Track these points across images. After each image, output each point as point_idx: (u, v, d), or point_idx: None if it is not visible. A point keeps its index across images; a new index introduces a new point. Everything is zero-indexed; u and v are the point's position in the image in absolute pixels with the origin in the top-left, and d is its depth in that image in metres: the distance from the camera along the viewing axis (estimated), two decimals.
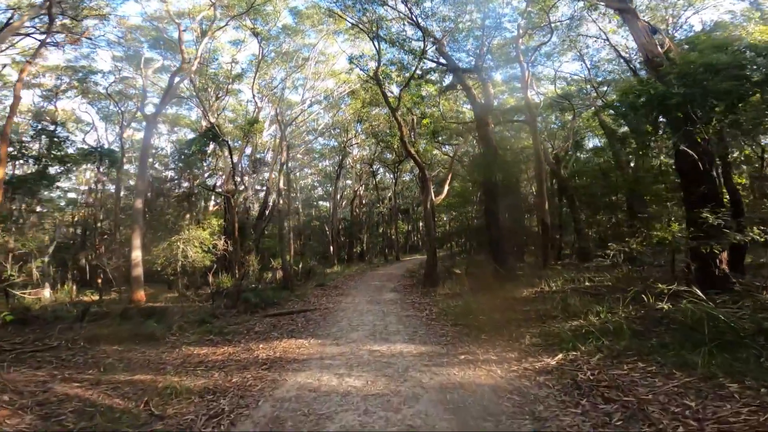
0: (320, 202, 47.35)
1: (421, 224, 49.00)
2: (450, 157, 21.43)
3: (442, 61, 16.61)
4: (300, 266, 18.32)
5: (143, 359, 7.10)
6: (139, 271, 15.33)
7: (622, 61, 18.64)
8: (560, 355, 5.69)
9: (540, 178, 16.16)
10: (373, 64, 17.34)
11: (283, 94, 27.73)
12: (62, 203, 26.62)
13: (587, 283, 10.60)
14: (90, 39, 17.95)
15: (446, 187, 17.62)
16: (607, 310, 7.02)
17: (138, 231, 15.42)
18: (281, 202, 15.84)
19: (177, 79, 17.86)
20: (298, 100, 29.76)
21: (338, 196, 36.33)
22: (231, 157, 17.30)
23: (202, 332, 9.37)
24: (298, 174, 42.51)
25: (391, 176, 41.42)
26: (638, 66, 15.54)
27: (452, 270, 16.73)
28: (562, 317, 7.60)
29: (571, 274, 12.74)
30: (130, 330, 9.06)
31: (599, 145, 21.95)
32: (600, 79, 20.50)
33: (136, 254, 15.33)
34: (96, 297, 15.61)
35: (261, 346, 7.86)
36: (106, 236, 23.12)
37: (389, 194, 40.12)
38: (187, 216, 17.88)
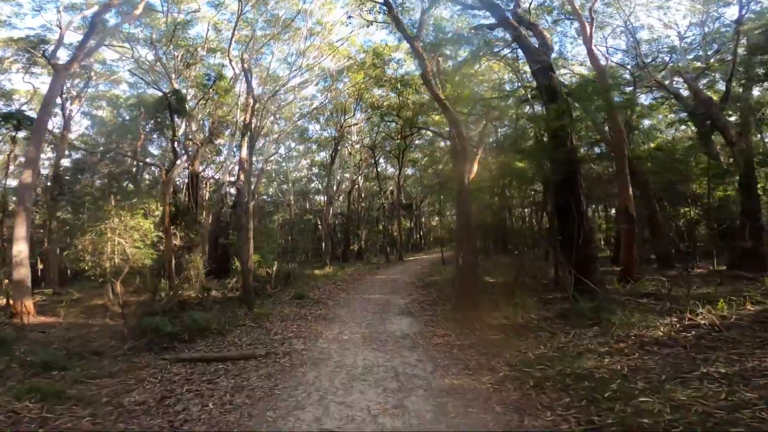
0: (317, 197, 41.60)
1: (423, 221, 43.37)
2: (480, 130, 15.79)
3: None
4: (274, 269, 12.70)
5: None
6: (23, 272, 9.70)
7: None
8: None
9: (621, 156, 10.56)
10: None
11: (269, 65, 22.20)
12: None
13: None
14: None
15: (474, 167, 12.07)
16: None
17: (24, 216, 9.74)
18: (242, 178, 10.16)
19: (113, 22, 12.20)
20: (287, 74, 24.06)
21: (334, 187, 30.64)
22: (172, 120, 11.68)
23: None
24: (293, 165, 36.90)
25: (393, 169, 35.88)
26: None
27: (482, 279, 11.11)
28: None
29: (712, 289, 7.21)
30: None
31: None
32: None
33: (20, 249, 9.70)
34: None
35: None
36: None
37: (391, 188, 34.48)
38: (115, 200, 12.19)
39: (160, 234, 12.61)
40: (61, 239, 16.70)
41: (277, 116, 25.45)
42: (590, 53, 12.65)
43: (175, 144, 11.08)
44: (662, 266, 12.81)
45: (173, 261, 10.23)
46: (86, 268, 12.84)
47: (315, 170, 38.50)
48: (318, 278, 15.95)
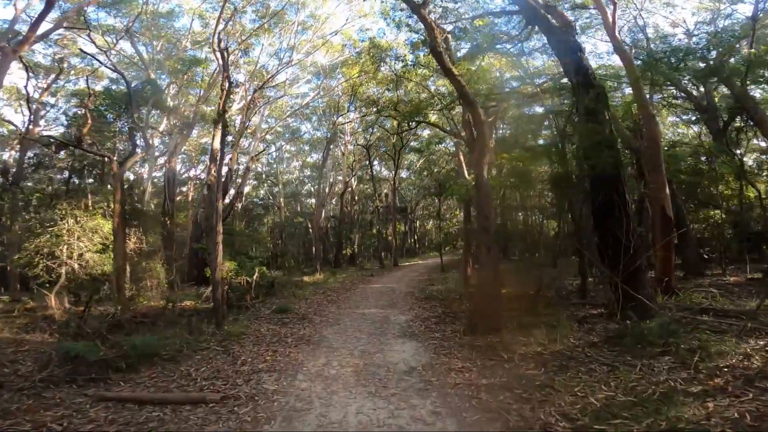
0: (309, 200, 39.66)
1: (417, 224, 41.66)
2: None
3: None
4: (254, 277, 10.89)
5: None
6: None
7: None
8: None
9: (655, 150, 8.98)
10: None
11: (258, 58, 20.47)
12: None
13: None
14: None
15: (485, 165, 10.43)
16: None
17: None
18: (212, 173, 8.40)
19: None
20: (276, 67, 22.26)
21: (326, 189, 28.86)
22: (129, 104, 9.85)
23: None
24: (284, 167, 35.06)
25: (387, 171, 34.23)
26: None
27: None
28: None
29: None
30: None
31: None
32: None
33: None
34: None
35: None
36: None
37: (385, 190, 32.78)
38: (70, 198, 10.37)
39: (137, 237, 10.78)
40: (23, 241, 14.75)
41: (265, 114, 23.71)
42: (614, 41, 11.07)
43: (135, 134, 9.28)
44: (690, 273, 11.26)
45: (127, 268, 8.42)
46: (39, 273, 11.00)
47: (307, 172, 36.70)
48: (306, 286, 14.15)
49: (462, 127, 11.36)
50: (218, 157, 8.68)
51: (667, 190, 8.80)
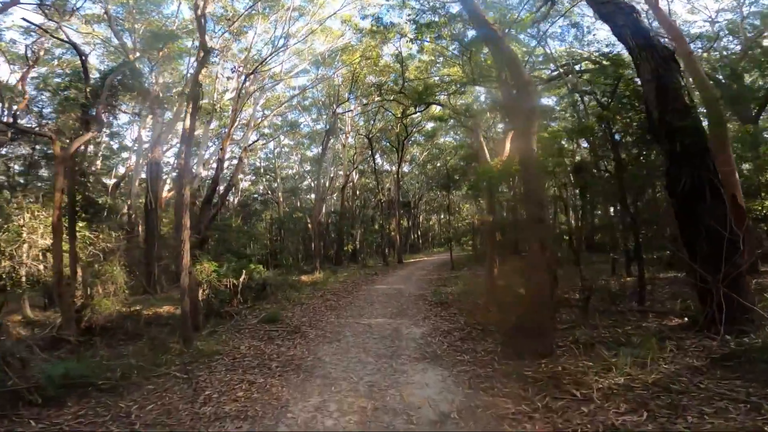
0: (309, 196, 37.87)
1: (420, 220, 39.88)
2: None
3: None
4: (242, 279, 9.20)
5: None
6: None
7: None
8: None
9: (721, 133, 7.25)
10: None
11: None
12: None
13: None
14: None
15: (507, 146, 8.69)
16: None
17: None
18: (182, 155, 6.65)
19: None
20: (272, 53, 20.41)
21: (326, 183, 27.13)
22: (86, 78, 8.11)
23: None
24: (282, 161, 33.33)
25: (389, 165, 32.46)
26: None
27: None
28: None
29: None
30: None
31: None
32: None
33: None
34: None
35: None
36: None
37: (388, 184, 31.02)
38: (22, 195, 8.71)
39: (91, 235, 9.07)
40: None
41: (261, 103, 21.93)
42: (658, 12, 9.26)
43: (88, 110, 7.62)
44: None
45: (79, 271, 6.73)
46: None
47: (307, 167, 34.94)
48: (304, 288, 12.47)
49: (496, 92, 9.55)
50: (189, 137, 6.98)
51: (737, 176, 7.09)
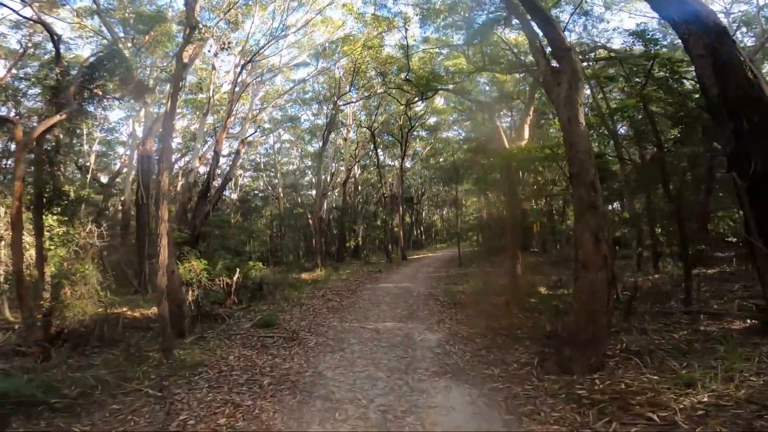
0: (311, 192, 36.91)
1: (423, 215, 38.94)
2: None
3: None
4: (235, 279, 8.33)
5: None
6: None
7: None
8: None
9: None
10: None
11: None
12: None
13: None
14: None
15: (526, 130, 7.75)
16: None
17: None
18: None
19: None
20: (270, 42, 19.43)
21: (327, 178, 26.25)
22: (58, 58, 7.21)
23: None
24: (281, 158, 32.38)
25: (391, 160, 31.51)
26: None
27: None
28: None
29: None
30: None
31: None
32: None
33: None
34: None
35: None
36: None
37: (390, 179, 30.10)
38: None
39: (71, 229, 8.19)
40: None
41: (259, 95, 20.99)
42: None
43: (57, 93, 6.75)
44: None
45: (46, 271, 5.87)
46: None
47: (308, 162, 34.01)
48: (304, 286, 11.62)
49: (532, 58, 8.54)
50: (169, 117, 6.09)
51: None
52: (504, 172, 7.12)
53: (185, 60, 6.88)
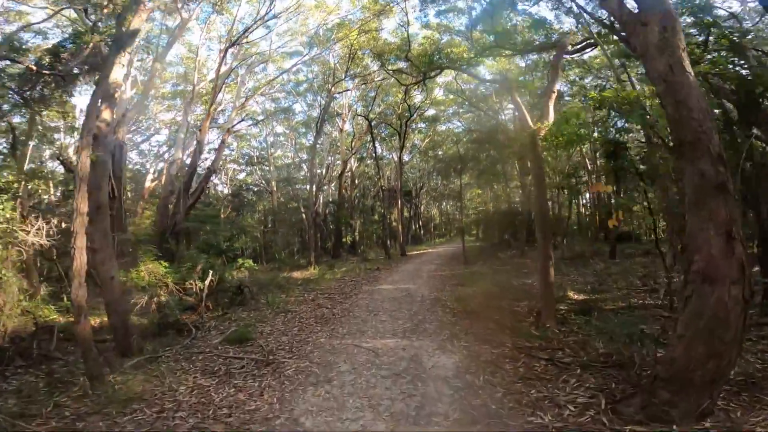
0: (306, 187, 35.33)
1: (422, 210, 37.55)
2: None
3: None
4: (206, 283, 6.98)
5: None
6: None
7: None
8: None
9: None
10: None
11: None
12: None
13: None
14: None
15: (550, 107, 6.41)
16: None
17: None
18: (103, 122, 4.32)
19: None
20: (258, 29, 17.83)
21: (322, 171, 24.85)
22: None
23: None
24: (274, 150, 30.84)
25: (389, 153, 30.10)
26: None
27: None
28: None
29: None
30: None
31: None
32: None
33: None
34: None
35: None
36: None
37: (387, 173, 28.70)
38: None
39: (26, 226, 6.78)
40: None
41: (248, 86, 19.46)
42: None
43: None
44: None
45: None
46: None
47: (304, 156, 32.50)
48: (294, 287, 10.28)
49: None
50: (105, 84, 4.71)
51: None
52: (532, 152, 5.75)
53: (131, 24, 5.44)
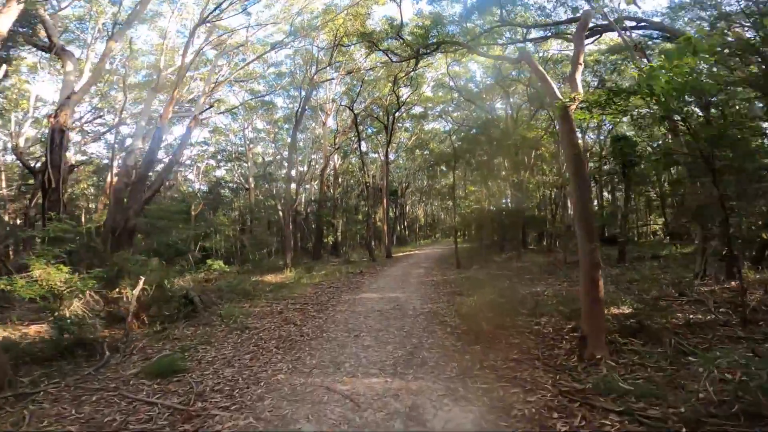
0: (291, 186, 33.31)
1: (407, 210, 36.10)
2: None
3: None
4: (136, 292, 5.33)
5: None
6: None
7: None
8: None
9: None
10: None
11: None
12: None
13: None
14: None
15: (578, 79, 5.12)
16: None
17: None
18: None
19: None
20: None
21: (305, 168, 23.15)
22: None
23: None
24: (252, 145, 28.90)
25: (375, 153, 28.64)
26: None
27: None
28: None
29: None
30: None
31: None
32: None
33: None
34: None
35: None
36: None
37: (372, 172, 27.13)
38: None
39: None
40: None
41: (222, 71, 17.65)
42: None
43: None
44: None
45: None
46: None
47: (286, 153, 30.60)
48: (262, 294, 8.64)
49: None
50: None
51: None
52: (565, 132, 4.34)
53: None
